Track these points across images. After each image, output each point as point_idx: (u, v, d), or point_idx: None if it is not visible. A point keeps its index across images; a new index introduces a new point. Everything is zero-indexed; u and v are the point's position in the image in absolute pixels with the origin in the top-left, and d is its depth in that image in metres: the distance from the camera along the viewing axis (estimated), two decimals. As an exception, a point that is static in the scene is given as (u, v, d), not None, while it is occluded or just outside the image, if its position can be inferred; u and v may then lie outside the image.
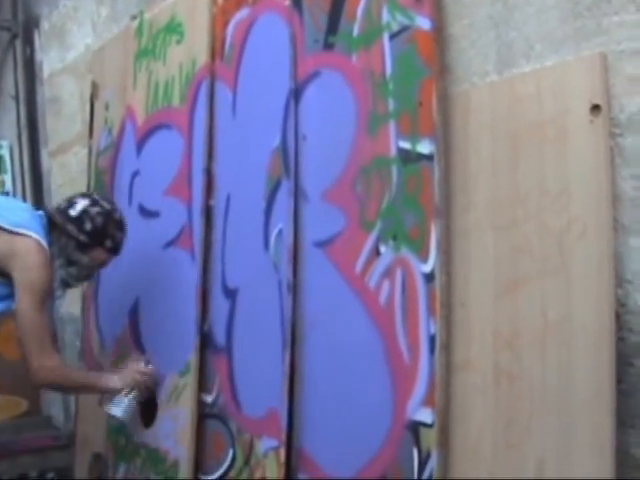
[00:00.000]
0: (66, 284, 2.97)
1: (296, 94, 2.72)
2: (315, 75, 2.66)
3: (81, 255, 2.90)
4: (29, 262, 2.70)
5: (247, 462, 2.83)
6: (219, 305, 3.07)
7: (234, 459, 2.91)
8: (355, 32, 2.50)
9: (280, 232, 2.76)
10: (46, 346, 2.69)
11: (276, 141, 2.81)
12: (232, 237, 3.03)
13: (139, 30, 3.57)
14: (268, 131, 2.85)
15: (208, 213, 3.12)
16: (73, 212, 2.91)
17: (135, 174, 3.59)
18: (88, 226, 2.89)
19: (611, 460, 1.82)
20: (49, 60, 5.14)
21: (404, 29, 2.33)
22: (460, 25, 2.28)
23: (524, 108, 2.07)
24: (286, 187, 2.73)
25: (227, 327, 3.01)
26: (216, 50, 3.17)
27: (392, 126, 2.37)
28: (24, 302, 2.66)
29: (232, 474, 2.91)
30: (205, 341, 3.10)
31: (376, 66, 2.42)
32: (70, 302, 4.47)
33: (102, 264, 3.03)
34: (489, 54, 2.21)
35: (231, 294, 3.01)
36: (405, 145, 2.32)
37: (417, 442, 2.24)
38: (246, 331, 2.93)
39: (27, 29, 5.09)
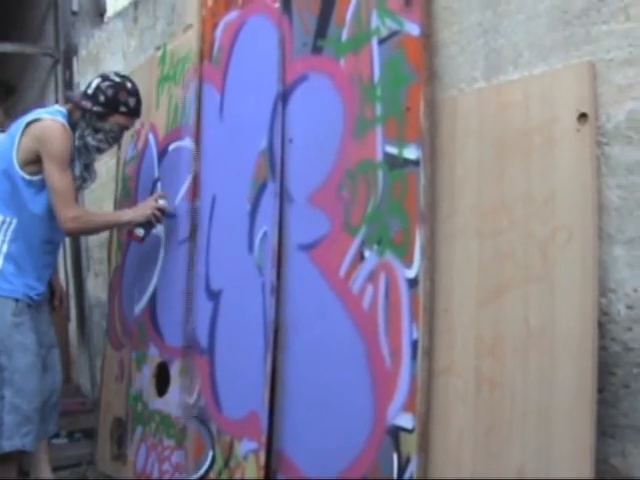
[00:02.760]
0: (98, 149, 3.37)
1: (284, 97, 2.72)
2: (303, 78, 2.66)
3: (102, 123, 3.31)
4: (51, 136, 3.15)
5: (227, 464, 2.82)
6: (202, 307, 3.06)
7: (214, 460, 2.90)
8: (344, 36, 2.50)
9: (265, 235, 2.75)
10: (69, 201, 3.15)
11: (263, 144, 2.81)
12: (217, 239, 3.03)
13: (162, 59, 3.73)
14: (255, 133, 2.85)
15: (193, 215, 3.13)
16: (89, 90, 3.36)
17: (156, 181, 3.68)
18: (102, 98, 3.31)
19: (591, 469, 1.82)
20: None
21: (393, 34, 2.33)
22: (449, 31, 2.29)
23: (511, 115, 2.07)
24: (272, 190, 2.73)
25: (210, 329, 3.00)
26: (205, 52, 3.19)
27: (379, 131, 2.37)
28: (49, 169, 3.11)
29: (212, 475, 2.90)
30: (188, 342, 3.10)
31: (364, 71, 2.42)
32: (98, 289, 4.98)
33: (125, 127, 3.43)
34: (477, 61, 2.21)
35: (214, 296, 3.00)
36: (392, 150, 2.32)
37: (397, 447, 2.24)
38: (229, 333, 2.93)
39: (67, 56, 5.70)
